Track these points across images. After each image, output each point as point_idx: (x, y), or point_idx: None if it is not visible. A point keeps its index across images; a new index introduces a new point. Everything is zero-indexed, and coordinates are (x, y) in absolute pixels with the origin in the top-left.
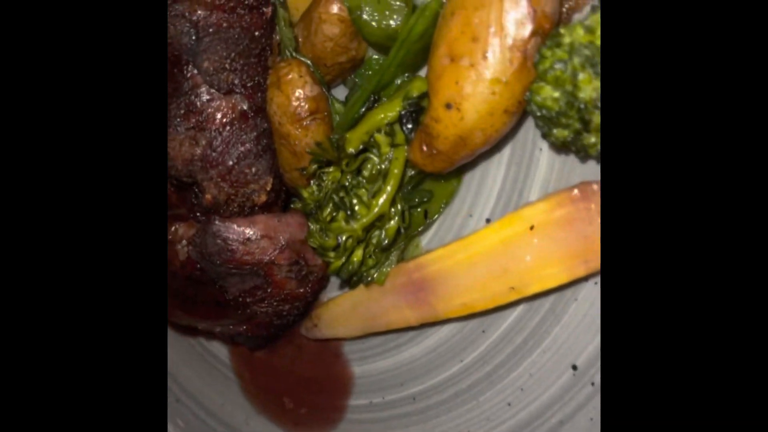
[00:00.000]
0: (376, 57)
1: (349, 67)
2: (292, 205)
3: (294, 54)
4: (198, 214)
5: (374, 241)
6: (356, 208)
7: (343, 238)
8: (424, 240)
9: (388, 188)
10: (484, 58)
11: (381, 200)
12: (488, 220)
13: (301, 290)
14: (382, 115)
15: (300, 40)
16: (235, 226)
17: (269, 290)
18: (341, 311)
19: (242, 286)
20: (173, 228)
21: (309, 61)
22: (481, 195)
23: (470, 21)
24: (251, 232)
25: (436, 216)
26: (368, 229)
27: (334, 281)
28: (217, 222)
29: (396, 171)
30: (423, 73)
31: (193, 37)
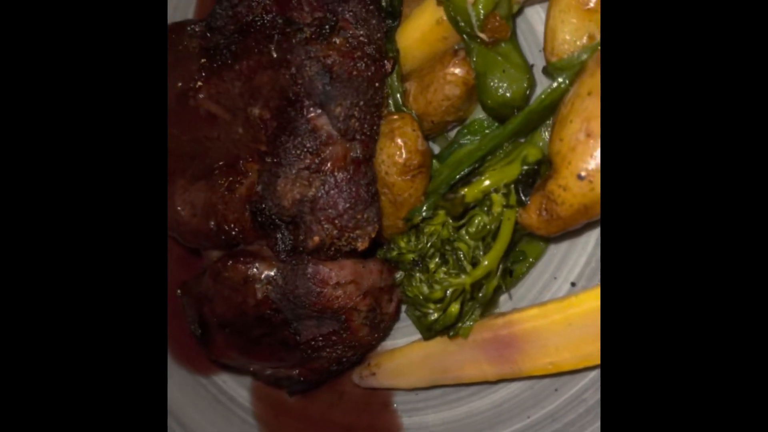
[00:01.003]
0: (480, 118)
1: (451, 125)
2: (378, 255)
3: (402, 107)
4: (279, 253)
5: (476, 296)
6: (464, 262)
7: (450, 291)
8: (501, 297)
9: (499, 246)
10: None
11: (492, 257)
12: (573, 284)
13: (370, 338)
14: (500, 177)
15: (410, 94)
16: (327, 270)
17: (344, 335)
18: (407, 361)
19: (318, 330)
20: (255, 266)
21: (415, 115)
22: (569, 258)
23: None
24: (341, 277)
25: (522, 275)
26: (475, 284)
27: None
28: (311, 264)
29: (507, 230)
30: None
31: (327, 81)
